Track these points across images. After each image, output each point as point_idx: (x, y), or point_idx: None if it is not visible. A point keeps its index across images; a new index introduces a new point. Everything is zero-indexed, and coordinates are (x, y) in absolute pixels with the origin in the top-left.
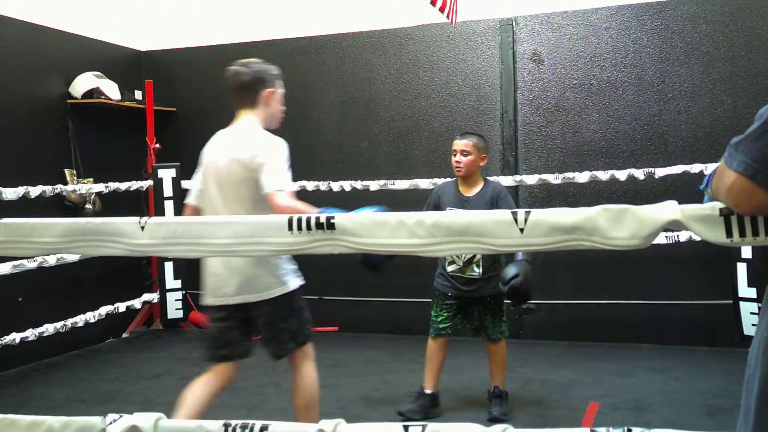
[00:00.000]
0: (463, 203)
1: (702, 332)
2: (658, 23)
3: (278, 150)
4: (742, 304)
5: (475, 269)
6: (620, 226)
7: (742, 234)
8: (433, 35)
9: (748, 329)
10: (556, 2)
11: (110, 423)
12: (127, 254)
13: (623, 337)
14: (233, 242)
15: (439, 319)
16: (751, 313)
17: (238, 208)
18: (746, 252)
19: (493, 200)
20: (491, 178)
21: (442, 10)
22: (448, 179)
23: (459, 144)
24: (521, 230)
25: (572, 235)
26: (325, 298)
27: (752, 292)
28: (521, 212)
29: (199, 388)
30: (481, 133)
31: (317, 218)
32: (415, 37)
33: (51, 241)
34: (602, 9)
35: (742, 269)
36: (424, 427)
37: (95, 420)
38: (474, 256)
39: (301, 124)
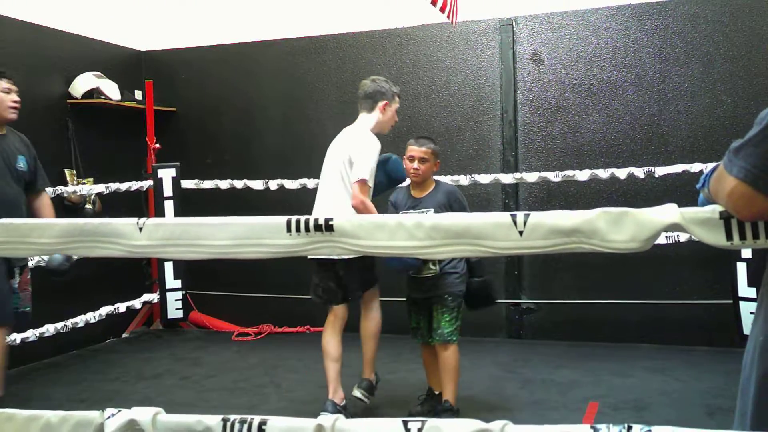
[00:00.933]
0: (415, 204)
1: (702, 332)
2: (658, 23)
3: (370, 148)
4: (742, 304)
5: (431, 266)
6: (619, 229)
7: (743, 237)
8: (433, 35)
9: (748, 329)
10: (556, 2)
11: (108, 417)
12: (125, 255)
13: (623, 337)
14: (232, 243)
15: (422, 325)
16: (751, 313)
17: (339, 188)
18: (746, 252)
19: (449, 199)
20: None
21: (442, 10)
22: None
23: (417, 151)
24: (520, 233)
25: (571, 238)
26: None
27: (752, 292)
28: (520, 215)
29: (330, 335)
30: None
31: (316, 220)
32: (415, 37)
33: (49, 242)
34: (602, 9)
35: (742, 269)
36: (423, 423)
37: (93, 414)
38: None
39: (301, 124)
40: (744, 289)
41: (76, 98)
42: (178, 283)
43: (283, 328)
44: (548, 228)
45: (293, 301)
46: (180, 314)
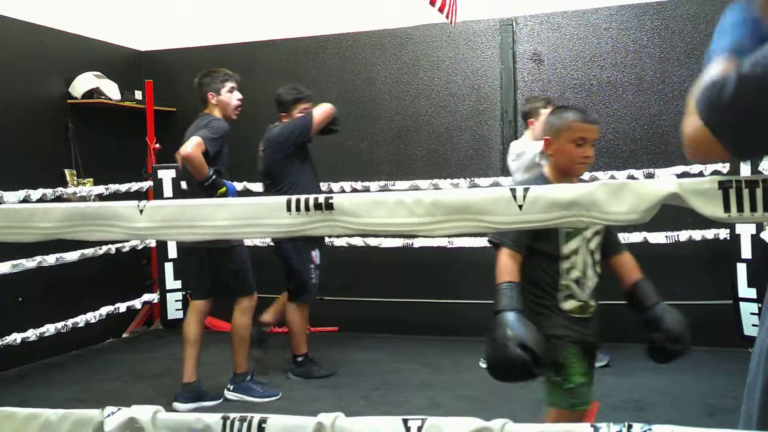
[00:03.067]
0: None
1: (702, 332)
2: (658, 23)
3: None
4: (742, 304)
5: (592, 302)
6: (619, 200)
7: (740, 209)
8: (433, 35)
9: (748, 329)
10: (556, 2)
11: (108, 416)
12: (126, 238)
13: (623, 337)
14: (232, 224)
15: (583, 381)
16: (751, 314)
17: None
18: (746, 252)
19: None
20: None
21: (441, 10)
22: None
23: (593, 131)
24: (520, 207)
25: (571, 211)
26: (325, 298)
27: (752, 293)
28: (520, 188)
29: None
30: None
31: (316, 198)
32: (415, 37)
33: (50, 226)
34: (602, 9)
35: (742, 269)
36: (423, 421)
37: (93, 413)
38: (594, 282)
39: None
40: (744, 290)
41: (76, 98)
42: (178, 284)
43: (283, 328)
44: (548, 201)
45: None
46: (180, 314)
